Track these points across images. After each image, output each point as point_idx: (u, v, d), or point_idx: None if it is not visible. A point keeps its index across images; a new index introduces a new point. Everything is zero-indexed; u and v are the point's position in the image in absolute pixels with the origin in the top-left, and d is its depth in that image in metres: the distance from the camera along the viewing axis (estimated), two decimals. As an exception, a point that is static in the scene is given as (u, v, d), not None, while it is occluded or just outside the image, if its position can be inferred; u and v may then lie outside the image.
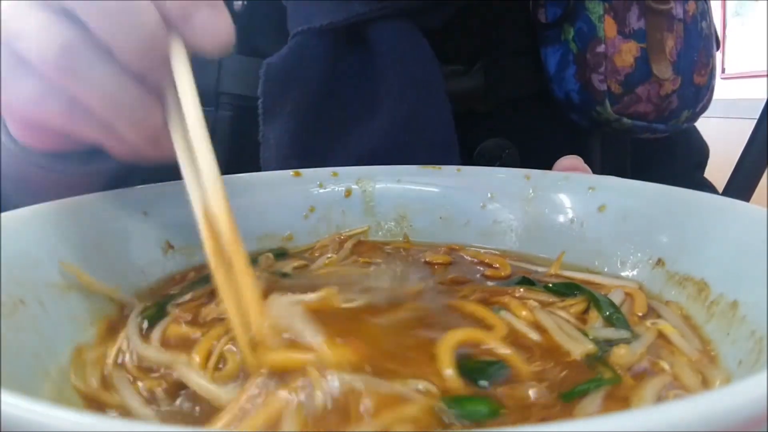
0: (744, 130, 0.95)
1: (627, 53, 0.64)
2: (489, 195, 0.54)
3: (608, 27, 0.64)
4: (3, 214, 0.36)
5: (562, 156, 0.53)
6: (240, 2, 0.69)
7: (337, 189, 0.56)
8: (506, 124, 0.70)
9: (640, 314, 0.38)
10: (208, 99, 0.70)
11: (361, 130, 0.63)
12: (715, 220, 0.38)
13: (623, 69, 0.64)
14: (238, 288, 0.32)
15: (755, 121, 0.96)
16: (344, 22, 0.62)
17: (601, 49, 0.64)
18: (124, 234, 0.45)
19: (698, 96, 0.70)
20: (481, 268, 0.47)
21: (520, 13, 0.70)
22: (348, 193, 0.56)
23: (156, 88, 0.37)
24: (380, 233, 0.55)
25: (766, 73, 3.06)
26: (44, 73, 0.35)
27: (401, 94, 0.63)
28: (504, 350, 0.32)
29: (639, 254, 0.43)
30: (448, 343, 0.30)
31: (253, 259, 0.48)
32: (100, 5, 0.34)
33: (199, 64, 0.74)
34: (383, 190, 0.56)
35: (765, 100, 0.97)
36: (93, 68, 0.35)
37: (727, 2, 3.43)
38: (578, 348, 0.32)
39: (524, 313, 0.36)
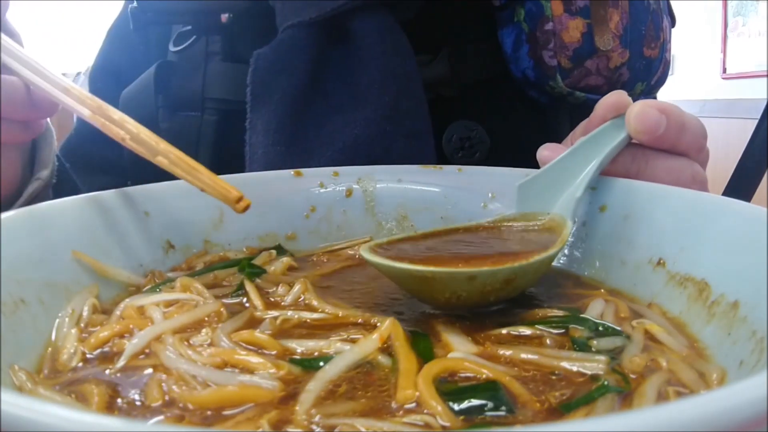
0: (744, 130, 0.95)
1: (574, 29, 0.68)
2: (490, 195, 0.54)
3: (555, 6, 0.68)
4: (3, 214, 0.36)
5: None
6: (226, 15, 0.74)
7: (338, 189, 0.56)
8: (473, 107, 0.74)
9: (623, 315, 0.39)
10: (194, 104, 0.75)
11: (345, 119, 0.66)
12: (716, 221, 0.38)
13: (571, 44, 0.68)
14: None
15: (755, 121, 0.95)
16: (331, 13, 0.66)
17: (549, 26, 0.68)
18: (126, 234, 0.45)
19: (650, 68, 0.73)
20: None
21: (480, 1, 0.73)
22: (349, 192, 0.56)
23: None
24: (382, 233, 0.55)
25: (766, 73, 3.06)
26: None
27: (383, 86, 0.66)
28: (489, 371, 0.31)
29: (640, 254, 0.43)
30: (428, 378, 0.30)
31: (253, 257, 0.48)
32: None
33: (185, 73, 0.77)
34: (384, 190, 0.56)
35: (765, 100, 0.97)
36: None
37: (728, 2, 3.43)
38: (594, 365, 0.31)
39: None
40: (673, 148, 0.49)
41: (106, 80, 0.84)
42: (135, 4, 0.70)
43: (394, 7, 0.69)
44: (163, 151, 0.43)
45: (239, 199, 0.41)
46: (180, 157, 0.43)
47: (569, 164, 0.48)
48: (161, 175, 0.46)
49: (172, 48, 0.78)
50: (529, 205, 0.48)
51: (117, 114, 0.45)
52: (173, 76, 0.77)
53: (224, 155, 0.73)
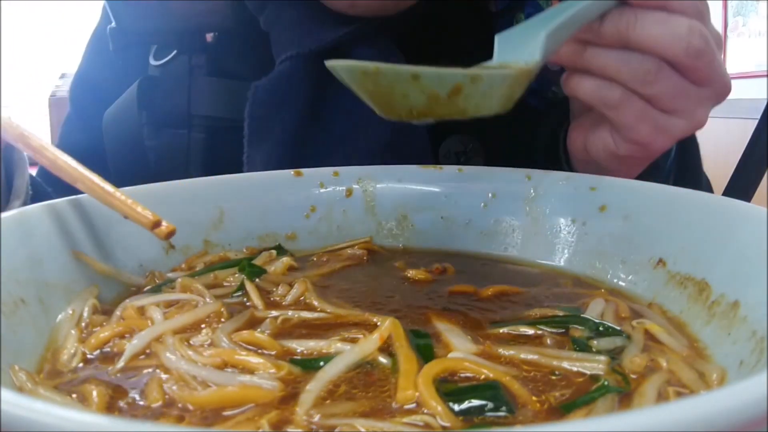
0: (744, 130, 0.95)
1: None
2: (490, 195, 0.54)
3: None
4: (3, 214, 0.37)
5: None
6: (212, 34, 0.72)
7: (338, 189, 0.56)
8: (468, 120, 0.72)
9: (623, 315, 0.39)
10: (180, 121, 0.72)
11: (347, 151, 0.65)
12: (716, 221, 0.38)
13: None
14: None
15: (755, 121, 0.95)
16: (332, 43, 0.64)
17: None
18: (126, 234, 0.45)
19: None
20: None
21: (475, 8, 0.72)
22: (349, 192, 0.56)
23: None
24: (382, 233, 0.55)
25: (766, 73, 3.06)
26: None
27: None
28: (489, 371, 0.31)
29: (640, 254, 0.43)
30: (428, 378, 0.30)
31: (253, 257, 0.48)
32: None
33: (168, 88, 0.75)
34: (384, 190, 0.56)
35: (765, 100, 0.97)
36: None
37: (728, 2, 3.43)
38: (594, 366, 0.32)
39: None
40: (665, 9, 0.46)
41: (88, 95, 0.82)
42: (114, 24, 0.68)
43: (393, 28, 0.67)
44: (79, 178, 0.42)
45: (156, 224, 0.40)
46: (96, 183, 0.42)
47: (549, 15, 0.46)
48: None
49: (152, 62, 0.75)
50: (507, 55, 0.47)
51: (35, 141, 0.45)
52: (156, 92, 0.74)
53: (215, 173, 0.71)
